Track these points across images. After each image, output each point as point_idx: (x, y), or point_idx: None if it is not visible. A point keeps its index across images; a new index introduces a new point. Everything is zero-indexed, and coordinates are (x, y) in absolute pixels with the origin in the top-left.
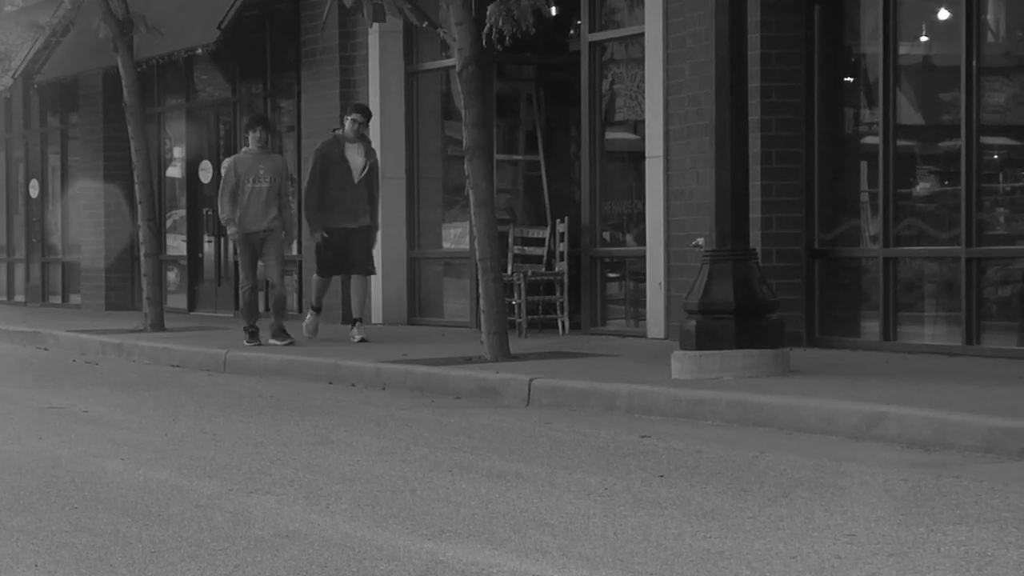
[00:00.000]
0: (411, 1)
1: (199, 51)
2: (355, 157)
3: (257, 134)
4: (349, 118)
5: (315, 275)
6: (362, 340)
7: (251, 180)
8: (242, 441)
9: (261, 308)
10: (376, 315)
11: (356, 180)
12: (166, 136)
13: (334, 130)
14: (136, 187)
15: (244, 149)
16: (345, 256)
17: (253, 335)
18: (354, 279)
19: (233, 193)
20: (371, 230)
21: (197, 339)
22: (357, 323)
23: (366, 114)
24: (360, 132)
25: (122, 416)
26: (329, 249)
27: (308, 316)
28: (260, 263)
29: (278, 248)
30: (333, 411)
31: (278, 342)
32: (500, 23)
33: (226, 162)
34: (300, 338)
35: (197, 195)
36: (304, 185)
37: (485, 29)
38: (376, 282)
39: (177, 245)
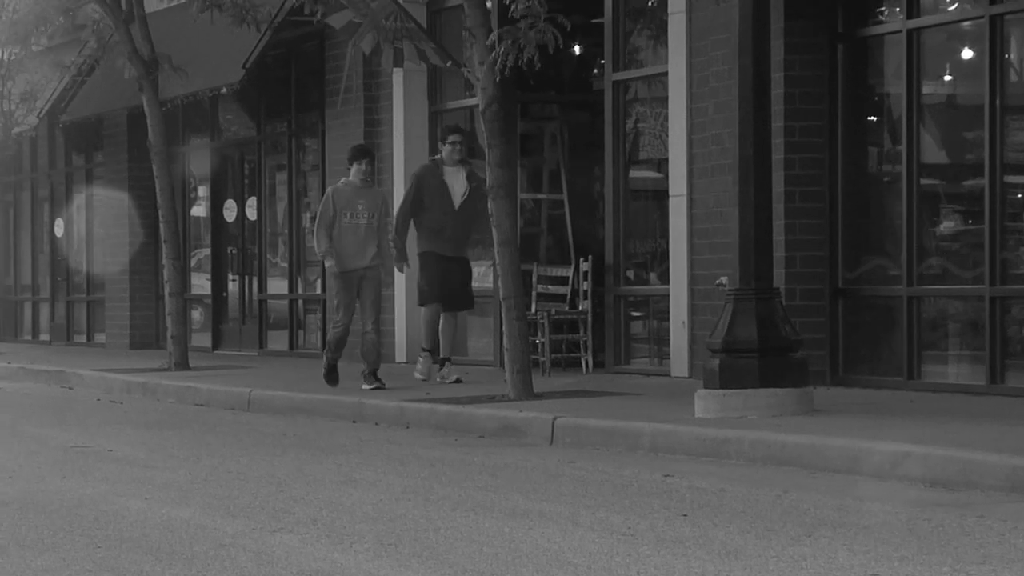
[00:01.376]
0: (435, 41)
1: (224, 90)
2: (455, 182)
3: (362, 166)
4: (448, 141)
5: (424, 308)
6: (457, 380)
7: (348, 215)
8: (266, 480)
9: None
10: (400, 353)
11: (457, 206)
12: (191, 175)
13: (433, 156)
14: (161, 226)
15: (344, 181)
16: (447, 287)
17: (331, 371)
18: (446, 316)
19: (329, 227)
20: (467, 261)
21: (221, 378)
22: (447, 363)
23: (464, 134)
24: (460, 156)
25: (146, 455)
26: (431, 272)
27: (421, 359)
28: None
29: (376, 290)
30: (356, 450)
31: (367, 385)
32: (506, 54)
33: (327, 192)
34: (411, 382)
35: (222, 234)
36: (398, 210)
37: (497, 63)
38: (400, 320)
39: (202, 284)
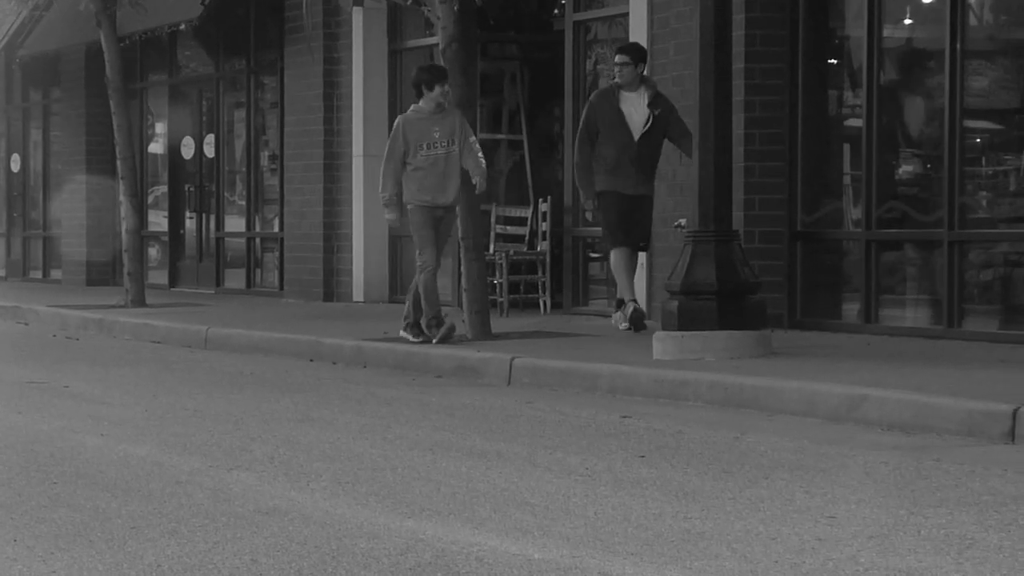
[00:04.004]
0: None
1: (182, 27)
2: (634, 109)
3: (436, 91)
4: (615, 63)
5: (611, 252)
6: (630, 328)
7: (424, 146)
8: (223, 418)
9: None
10: (357, 293)
11: (636, 136)
12: (148, 112)
13: (611, 81)
14: (118, 163)
15: (413, 108)
16: (629, 226)
17: (441, 325)
18: (624, 251)
19: (399, 165)
20: (650, 199)
21: (178, 315)
22: (623, 306)
23: (634, 54)
24: (637, 77)
25: (102, 392)
26: (612, 214)
27: (617, 312)
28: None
29: (447, 234)
30: (314, 389)
31: (411, 337)
32: None
33: (396, 124)
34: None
35: (179, 171)
36: (576, 144)
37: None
38: (358, 259)
39: (159, 221)
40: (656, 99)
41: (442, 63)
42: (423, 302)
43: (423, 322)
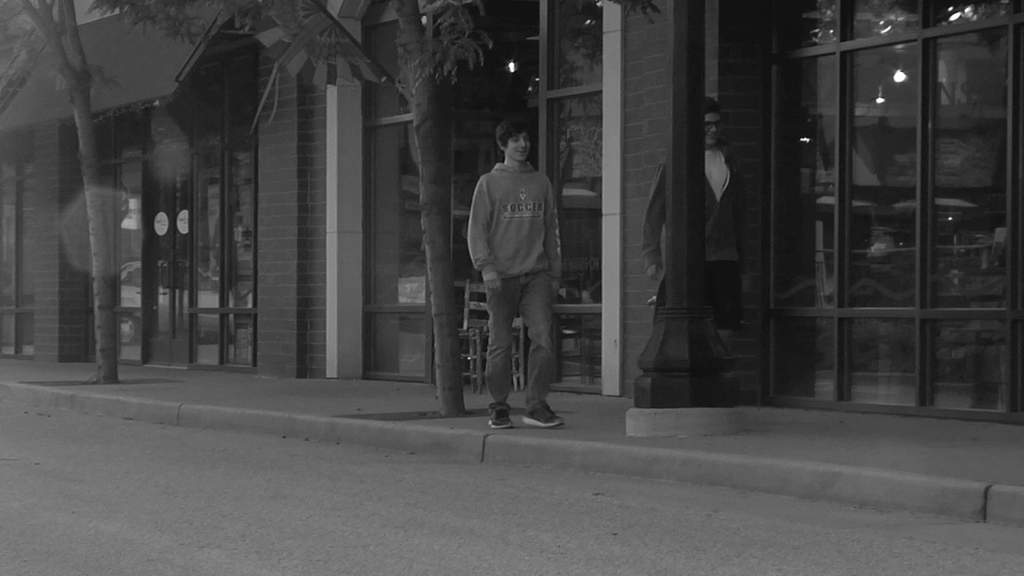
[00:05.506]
0: (369, 56)
1: (156, 103)
2: (714, 168)
3: (519, 143)
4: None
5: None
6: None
7: (509, 207)
8: (194, 495)
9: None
10: (331, 369)
11: (718, 197)
12: (122, 188)
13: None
14: (91, 239)
15: (498, 167)
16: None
17: (502, 414)
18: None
19: (487, 224)
20: (735, 265)
21: (151, 391)
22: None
23: (719, 111)
24: (717, 136)
25: (73, 468)
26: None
27: None
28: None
29: (546, 297)
30: (287, 465)
31: (540, 423)
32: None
33: (479, 183)
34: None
35: (152, 247)
36: (648, 205)
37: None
38: (331, 335)
39: (132, 297)
40: (731, 158)
41: (416, 140)
42: (488, 385)
43: (494, 408)
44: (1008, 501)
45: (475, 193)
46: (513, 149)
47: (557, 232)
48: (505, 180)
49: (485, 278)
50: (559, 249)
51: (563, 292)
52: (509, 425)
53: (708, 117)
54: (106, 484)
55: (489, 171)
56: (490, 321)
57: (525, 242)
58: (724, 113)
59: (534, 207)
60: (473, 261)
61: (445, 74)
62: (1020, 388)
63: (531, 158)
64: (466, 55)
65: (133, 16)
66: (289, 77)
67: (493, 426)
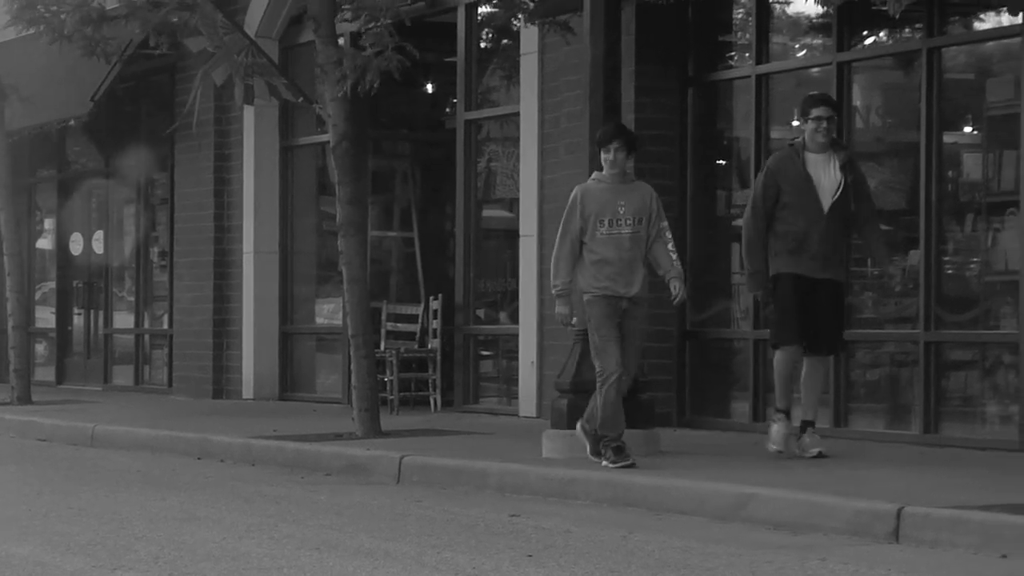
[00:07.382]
0: (287, 77)
1: (72, 122)
2: (824, 174)
3: (611, 154)
4: (811, 116)
5: (776, 351)
6: (819, 455)
7: (606, 222)
8: (108, 517)
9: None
10: (247, 390)
11: (826, 207)
12: (37, 208)
13: (790, 142)
14: (4, 258)
15: (594, 176)
16: (807, 322)
17: (620, 451)
18: (811, 361)
19: (576, 243)
20: (841, 287)
21: (65, 412)
22: (809, 428)
23: (834, 106)
24: (829, 136)
25: None
26: (788, 301)
27: (775, 424)
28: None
29: (640, 330)
30: (201, 487)
31: (612, 462)
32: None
33: (573, 194)
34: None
35: (68, 267)
36: (746, 217)
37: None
38: (247, 356)
39: (46, 317)
40: (848, 164)
41: (333, 161)
42: (600, 420)
43: (605, 441)
44: (920, 522)
45: (568, 205)
46: (609, 159)
47: (671, 247)
48: (603, 192)
49: (558, 313)
50: (675, 257)
51: (481, 313)
52: (631, 463)
53: (820, 112)
54: (18, 505)
55: (583, 183)
56: (593, 347)
57: (627, 262)
58: (640, 135)
59: (634, 222)
60: (552, 287)
61: (368, 87)
62: (933, 410)
63: (451, 179)
64: (390, 66)
65: (50, 35)
66: (208, 89)
67: (612, 465)
